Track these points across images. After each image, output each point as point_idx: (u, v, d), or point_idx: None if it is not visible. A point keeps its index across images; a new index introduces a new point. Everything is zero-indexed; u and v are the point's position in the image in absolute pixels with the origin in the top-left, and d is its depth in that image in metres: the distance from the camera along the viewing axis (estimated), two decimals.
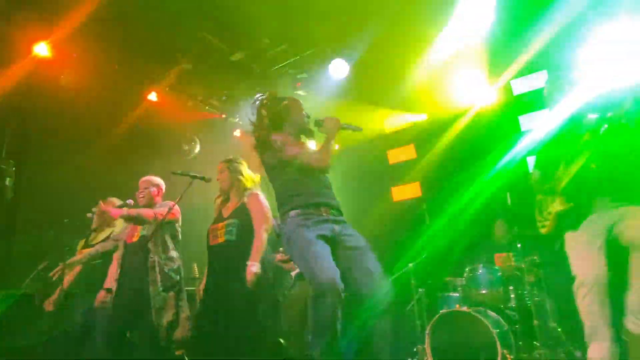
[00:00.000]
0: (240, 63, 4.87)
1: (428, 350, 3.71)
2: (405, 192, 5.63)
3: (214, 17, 4.47)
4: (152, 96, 5.25)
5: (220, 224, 2.99)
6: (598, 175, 2.29)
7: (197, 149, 5.51)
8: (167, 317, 3.06)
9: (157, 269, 3.16)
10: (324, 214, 2.23)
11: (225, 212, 3.04)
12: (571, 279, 3.48)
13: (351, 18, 4.01)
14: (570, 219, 2.39)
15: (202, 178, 2.99)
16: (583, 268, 2.35)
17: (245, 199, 2.96)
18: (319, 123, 2.37)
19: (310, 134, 2.48)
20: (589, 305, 2.30)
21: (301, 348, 4.83)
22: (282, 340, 5.18)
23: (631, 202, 2.26)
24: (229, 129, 5.67)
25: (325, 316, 2.02)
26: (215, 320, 2.87)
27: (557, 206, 2.42)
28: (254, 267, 2.67)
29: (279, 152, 2.30)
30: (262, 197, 2.98)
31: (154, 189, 3.46)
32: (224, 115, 5.53)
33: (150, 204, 3.40)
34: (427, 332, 3.74)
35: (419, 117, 5.48)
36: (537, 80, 4.74)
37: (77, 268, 3.55)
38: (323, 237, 2.17)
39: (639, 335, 2.16)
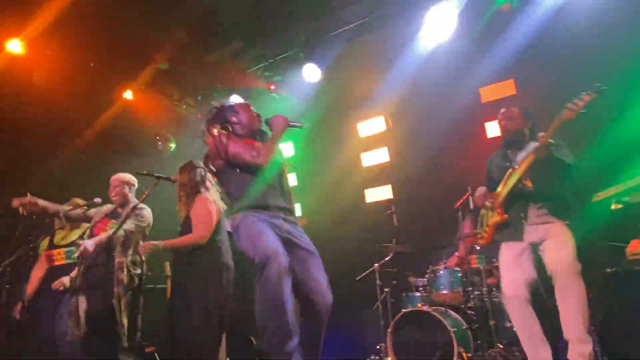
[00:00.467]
0: (216, 64, 4.93)
1: (389, 348, 3.84)
2: (378, 194, 5.75)
3: (189, 18, 4.53)
4: (128, 94, 5.27)
5: None
6: (531, 190, 2.57)
7: (173, 147, 5.55)
8: (126, 318, 3.18)
9: (124, 270, 3.23)
10: (279, 215, 2.26)
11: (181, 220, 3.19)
12: None
13: (321, 25, 4.11)
14: (506, 230, 2.68)
15: (167, 179, 3.05)
16: (505, 284, 2.65)
17: (190, 209, 3.09)
18: (268, 122, 2.43)
19: (262, 135, 2.48)
20: (514, 319, 2.59)
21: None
22: (252, 338, 5.28)
23: (554, 215, 2.54)
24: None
25: (272, 288, 1.94)
26: (177, 321, 2.99)
27: (495, 218, 2.70)
28: (152, 242, 2.92)
29: (223, 151, 2.27)
30: (205, 201, 3.04)
31: (126, 187, 3.51)
32: (199, 115, 5.58)
33: (124, 202, 3.48)
34: (389, 330, 3.88)
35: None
36: (504, 89, 4.93)
37: (40, 273, 3.54)
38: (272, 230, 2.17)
39: None
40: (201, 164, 3.08)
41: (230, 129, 2.42)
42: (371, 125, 5.84)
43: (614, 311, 3.31)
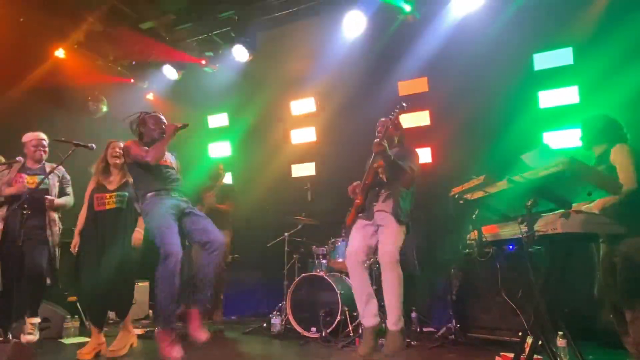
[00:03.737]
0: (150, 32, 5.06)
1: (288, 306, 4.44)
2: (302, 170, 6.23)
3: None
4: (60, 53, 5.28)
5: (108, 195, 3.51)
6: (382, 182, 3.23)
7: (104, 109, 5.65)
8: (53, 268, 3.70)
9: (55, 224, 3.79)
10: (171, 195, 3.02)
11: (111, 185, 3.55)
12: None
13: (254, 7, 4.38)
14: (363, 212, 3.31)
15: (85, 146, 3.30)
16: (348, 248, 3.29)
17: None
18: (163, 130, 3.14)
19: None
20: (351, 276, 3.23)
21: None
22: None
23: (393, 204, 3.21)
24: (138, 93, 5.83)
25: (169, 275, 2.72)
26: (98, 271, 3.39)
27: (357, 202, 3.33)
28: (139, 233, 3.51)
29: (131, 154, 3.05)
30: None
31: (46, 146, 3.91)
32: (132, 80, 5.68)
33: (42, 160, 3.87)
34: (289, 290, 4.46)
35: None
36: (420, 85, 5.48)
37: None
38: (172, 214, 2.91)
39: None
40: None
41: (141, 139, 3.20)
42: (303, 105, 6.23)
43: (467, 283, 4.09)
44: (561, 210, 2.36)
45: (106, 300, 3.43)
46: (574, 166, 2.14)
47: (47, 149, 3.90)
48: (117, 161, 3.59)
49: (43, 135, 3.93)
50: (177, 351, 2.75)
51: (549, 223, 2.29)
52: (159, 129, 3.14)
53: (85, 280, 3.45)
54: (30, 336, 3.65)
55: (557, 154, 2.46)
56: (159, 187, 2.98)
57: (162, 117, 3.21)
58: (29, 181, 3.70)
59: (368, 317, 3.09)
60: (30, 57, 5.10)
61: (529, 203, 2.44)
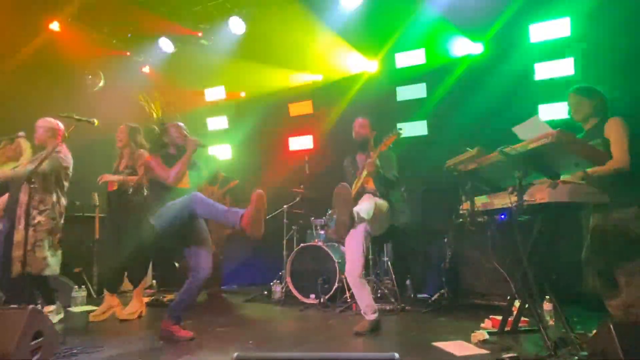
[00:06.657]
0: (145, 3, 4.99)
1: (288, 274, 4.61)
2: (300, 143, 6.28)
3: None
4: (54, 26, 5.21)
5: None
6: (370, 189, 3.45)
7: (102, 82, 5.61)
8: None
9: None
10: None
11: (121, 167, 3.83)
12: (406, 225, 4.56)
13: None
14: None
15: (87, 121, 3.29)
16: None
17: (136, 159, 3.81)
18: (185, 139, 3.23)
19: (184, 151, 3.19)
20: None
21: None
22: (176, 264, 5.89)
23: None
24: (134, 67, 5.79)
25: (197, 288, 3.09)
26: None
27: None
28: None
29: (152, 171, 3.10)
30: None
31: (49, 132, 3.63)
32: (128, 53, 5.63)
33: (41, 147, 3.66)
34: (288, 260, 4.62)
35: (316, 77, 6.02)
36: (417, 57, 5.47)
37: None
38: None
39: None
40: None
41: (165, 148, 3.22)
42: (301, 77, 6.21)
43: (459, 252, 4.25)
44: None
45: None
46: (561, 138, 2.23)
47: (42, 136, 3.62)
48: (118, 144, 3.87)
49: (46, 119, 3.68)
50: (187, 332, 3.06)
51: (537, 193, 2.40)
52: (182, 137, 3.20)
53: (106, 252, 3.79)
54: None
55: (547, 126, 2.51)
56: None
57: (182, 125, 3.26)
58: None
59: (368, 313, 3.23)
60: (24, 31, 5.04)
61: (519, 174, 2.55)
